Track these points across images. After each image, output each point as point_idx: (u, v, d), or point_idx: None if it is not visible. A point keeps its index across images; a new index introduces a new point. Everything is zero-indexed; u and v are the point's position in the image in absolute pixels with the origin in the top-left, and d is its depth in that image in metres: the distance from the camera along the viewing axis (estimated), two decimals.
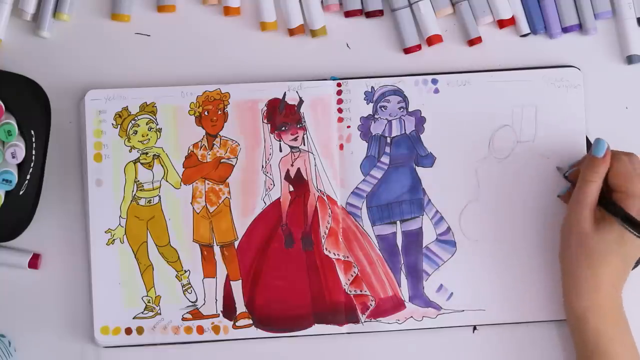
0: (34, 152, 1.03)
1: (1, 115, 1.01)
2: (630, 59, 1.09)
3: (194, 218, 1.07)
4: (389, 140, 1.09)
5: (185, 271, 1.07)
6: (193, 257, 1.07)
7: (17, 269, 1.07)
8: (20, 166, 1.03)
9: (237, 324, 1.07)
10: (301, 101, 1.08)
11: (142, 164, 1.07)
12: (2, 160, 1.01)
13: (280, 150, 1.08)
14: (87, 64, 1.08)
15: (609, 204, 1.01)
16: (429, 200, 1.08)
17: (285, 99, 1.08)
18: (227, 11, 1.08)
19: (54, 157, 1.06)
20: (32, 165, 1.03)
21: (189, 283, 1.07)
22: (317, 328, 1.07)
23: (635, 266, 1.04)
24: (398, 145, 1.09)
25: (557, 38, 1.10)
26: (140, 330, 1.07)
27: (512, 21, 1.09)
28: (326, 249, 1.08)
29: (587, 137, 1.09)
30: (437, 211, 1.08)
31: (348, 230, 1.08)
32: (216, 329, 1.07)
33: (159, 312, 1.07)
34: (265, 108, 1.08)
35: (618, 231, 1.00)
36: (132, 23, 1.09)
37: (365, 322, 1.08)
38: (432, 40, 1.09)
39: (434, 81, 1.09)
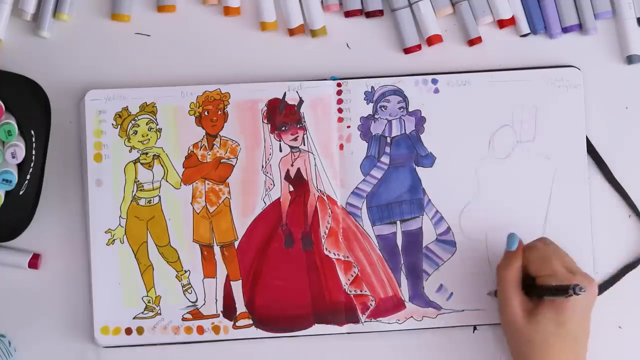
0: (34, 152, 1.03)
1: (1, 115, 1.01)
2: (630, 59, 1.09)
3: (194, 218, 1.07)
4: (389, 140, 1.09)
5: (185, 271, 1.07)
6: (193, 257, 1.07)
7: (17, 269, 1.07)
8: (20, 166, 1.03)
9: (237, 324, 1.07)
10: (301, 101, 1.08)
11: (142, 164, 1.07)
12: (2, 160, 1.01)
13: (280, 150, 1.08)
14: (87, 64, 1.08)
15: (536, 289, 1.00)
16: (429, 200, 1.08)
17: (285, 99, 1.08)
18: (227, 11, 1.08)
19: (54, 157, 1.06)
20: (32, 165, 1.03)
21: (189, 283, 1.07)
22: (317, 328, 1.07)
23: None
24: (398, 145, 1.09)
25: (557, 38, 1.10)
26: (140, 331, 1.07)
27: (512, 21, 1.09)
28: (326, 249, 1.08)
29: (587, 137, 1.09)
30: (437, 211, 1.08)
31: (348, 230, 1.08)
32: (216, 329, 1.07)
33: (159, 312, 1.07)
34: (265, 108, 1.08)
35: (551, 314, 0.99)
36: (132, 23, 1.09)
37: (365, 322, 1.08)
38: (432, 40, 1.09)
39: (434, 81, 1.09)
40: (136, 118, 1.07)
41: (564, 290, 0.97)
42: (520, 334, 1.00)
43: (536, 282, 1.01)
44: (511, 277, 1.01)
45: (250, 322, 1.07)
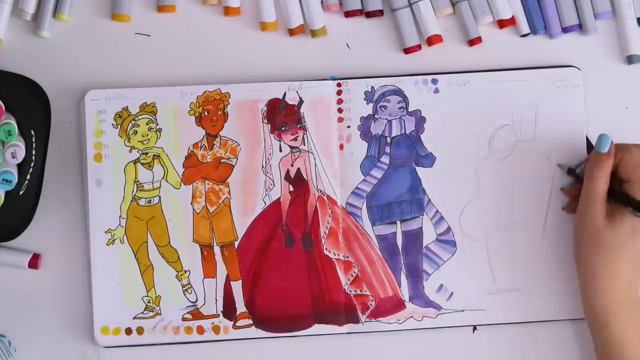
0: (34, 152, 1.03)
1: (1, 115, 1.01)
2: (630, 59, 1.09)
3: (194, 218, 1.07)
4: (389, 140, 1.09)
5: (185, 271, 1.07)
6: (193, 257, 1.07)
7: (17, 269, 1.07)
8: (20, 166, 1.03)
9: (237, 324, 1.07)
10: (301, 101, 1.08)
11: (142, 164, 1.07)
12: (2, 160, 1.01)
13: (280, 150, 1.08)
14: (87, 64, 1.08)
15: (620, 195, 1.01)
16: (429, 200, 1.08)
17: (285, 99, 1.08)
18: (227, 11, 1.08)
19: (54, 157, 1.06)
20: (32, 165, 1.03)
21: (189, 283, 1.07)
22: (317, 328, 1.07)
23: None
24: (398, 145, 1.09)
25: (557, 38, 1.10)
26: (140, 330, 1.07)
27: (512, 21, 1.09)
28: (326, 249, 1.08)
29: (587, 137, 1.09)
30: (437, 211, 1.08)
31: (348, 230, 1.08)
32: (216, 329, 1.07)
33: (159, 312, 1.07)
34: (265, 108, 1.08)
35: (631, 222, 1.00)
36: (132, 23, 1.09)
37: (365, 322, 1.08)
38: (432, 40, 1.09)
39: (434, 81, 1.09)
40: (136, 118, 1.07)
41: None
42: (595, 235, 1.01)
43: (623, 187, 1.01)
44: (603, 177, 1.01)
45: (250, 322, 1.07)
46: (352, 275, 1.08)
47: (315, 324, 1.07)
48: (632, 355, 1.00)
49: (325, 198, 1.08)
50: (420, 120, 1.09)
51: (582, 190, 1.03)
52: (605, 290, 1.01)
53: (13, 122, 1.02)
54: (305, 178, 1.08)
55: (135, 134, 1.07)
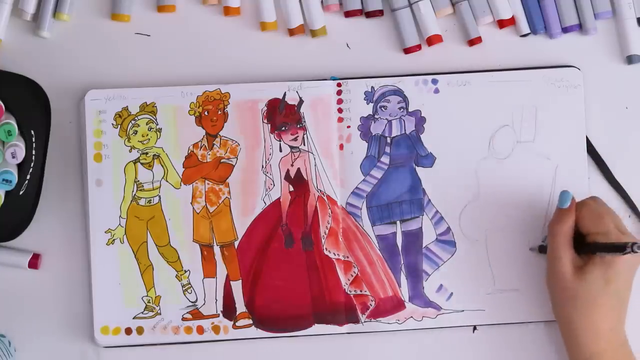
0: (34, 152, 1.03)
1: (1, 115, 1.01)
2: (630, 59, 1.09)
3: (194, 218, 1.07)
4: (389, 140, 1.09)
5: (185, 271, 1.07)
6: (193, 257, 1.07)
7: (17, 269, 1.07)
8: (20, 166, 1.03)
9: (237, 324, 1.07)
10: (301, 101, 1.08)
11: (142, 164, 1.07)
12: (2, 160, 1.01)
13: (280, 150, 1.08)
14: (87, 64, 1.08)
15: (585, 246, 1.01)
16: (429, 200, 1.08)
17: (285, 99, 1.08)
18: (227, 11, 1.08)
19: (54, 157, 1.06)
20: (32, 165, 1.03)
21: (189, 283, 1.07)
22: (317, 328, 1.07)
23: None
24: (398, 145, 1.09)
25: (557, 38, 1.10)
26: (140, 330, 1.07)
27: (512, 21, 1.09)
28: (326, 249, 1.08)
29: (587, 137, 1.09)
30: (437, 211, 1.08)
31: (348, 230, 1.08)
32: (216, 329, 1.07)
33: (159, 312, 1.07)
34: (265, 108, 1.08)
35: (601, 271, 0.99)
36: (132, 23, 1.09)
37: (365, 322, 1.08)
38: (432, 40, 1.09)
39: (434, 81, 1.09)
40: (136, 118, 1.07)
41: (621, 248, 0.97)
42: (567, 290, 1.00)
43: (588, 239, 1.01)
44: (564, 232, 1.01)
45: (250, 322, 1.07)
46: (352, 275, 1.08)
47: (315, 324, 1.07)
48: None
49: (325, 198, 1.08)
50: (420, 121, 1.09)
51: (547, 249, 1.03)
52: (587, 343, 1.00)
53: (13, 122, 1.02)
54: (305, 178, 1.08)
55: (135, 134, 1.07)
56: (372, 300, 1.08)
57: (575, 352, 1.01)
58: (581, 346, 1.01)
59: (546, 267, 1.03)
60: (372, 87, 1.08)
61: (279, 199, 1.08)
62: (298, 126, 1.08)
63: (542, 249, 1.07)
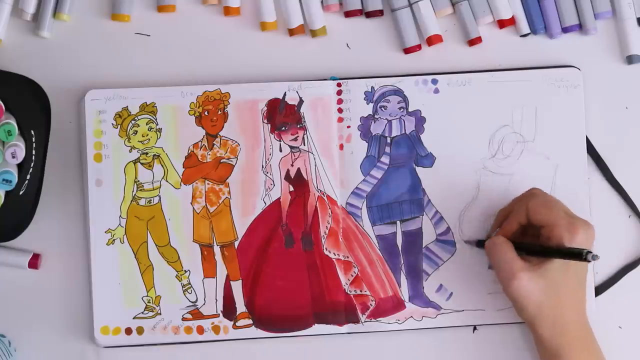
0: (34, 152, 1.03)
1: (1, 115, 1.01)
2: (630, 59, 1.09)
3: (194, 218, 1.07)
4: (389, 140, 1.09)
5: (185, 271, 1.07)
6: (193, 257, 1.07)
7: (17, 269, 1.07)
8: (20, 166, 1.03)
9: (237, 324, 1.07)
10: (301, 101, 1.08)
11: (142, 164, 1.07)
12: (2, 160, 1.01)
13: (280, 150, 1.08)
14: (87, 64, 1.08)
15: (538, 250, 1.00)
16: (429, 200, 1.08)
17: (285, 99, 1.08)
18: (227, 11, 1.08)
19: (54, 157, 1.06)
20: (32, 165, 1.03)
21: (189, 283, 1.07)
22: (317, 328, 1.07)
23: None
24: (398, 145, 1.09)
25: (557, 38, 1.10)
26: (140, 330, 1.07)
27: (512, 21, 1.09)
28: (326, 249, 1.08)
29: (587, 137, 1.09)
30: (437, 211, 1.08)
31: (348, 230, 1.08)
32: (216, 329, 1.07)
33: (159, 312, 1.07)
34: (265, 108, 1.08)
35: (558, 267, 0.99)
36: (132, 23, 1.09)
37: (365, 322, 1.08)
38: (432, 40, 1.09)
39: (434, 81, 1.09)
40: (136, 118, 1.07)
41: (577, 255, 0.96)
42: (531, 296, 0.99)
43: (542, 234, 1.00)
44: (506, 252, 1.01)
45: (250, 322, 1.07)
46: (352, 275, 1.08)
47: (315, 324, 1.07)
48: None
49: (325, 198, 1.08)
50: (420, 120, 1.09)
51: (496, 273, 1.02)
52: (555, 335, 1.00)
53: (13, 122, 1.02)
54: (305, 178, 1.08)
55: (135, 134, 1.07)
56: (372, 300, 1.08)
57: (545, 348, 1.01)
58: (548, 337, 1.00)
59: (498, 279, 1.02)
60: (372, 87, 1.08)
61: (279, 199, 1.08)
62: (298, 126, 1.08)
63: (479, 244, 1.06)
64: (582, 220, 1.00)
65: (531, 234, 1.03)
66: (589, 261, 0.96)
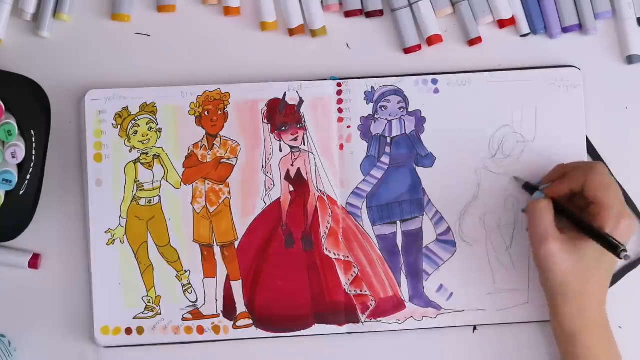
0: (34, 152, 1.03)
1: (1, 115, 1.01)
2: (630, 59, 1.09)
3: (194, 218, 1.07)
4: (389, 140, 1.09)
5: (186, 271, 1.07)
6: (193, 257, 1.07)
7: (17, 269, 1.07)
8: (20, 166, 1.03)
9: (237, 324, 1.07)
10: (301, 101, 1.08)
11: (142, 164, 1.07)
12: (2, 160, 1.01)
13: (280, 150, 1.08)
14: (87, 64, 1.08)
15: (581, 224, 1.00)
16: (429, 200, 1.08)
17: (285, 99, 1.08)
18: (227, 11, 1.08)
19: (54, 157, 1.06)
20: (32, 165, 1.03)
21: (189, 283, 1.07)
22: (317, 328, 1.07)
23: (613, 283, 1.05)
24: (398, 145, 1.09)
25: (557, 38, 1.10)
26: (140, 330, 1.07)
27: (512, 21, 1.09)
28: (326, 249, 1.08)
29: (587, 137, 1.09)
30: (437, 211, 1.08)
31: (348, 230, 1.08)
32: (216, 329, 1.07)
33: (159, 312, 1.07)
34: (265, 108, 1.08)
35: (596, 247, 0.99)
36: (132, 23, 1.09)
37: (365, 322, 1.08)
38: (432, 40, 1.09)
39: (434, 81, 1.09)
40: (136, 118, 1.07)
41: (613, 247, 0.97)
42: (561, 268, 0.99)
43: (589, 210, 1.00)
44: (545, 220, 1.00)
45: (250, 322, 1.07)
46: (352, 275, 1.08)
47: (315, 324, 1.07)
48: None
49: (325, 198, 1.08)
50: (420, 120, 1.09)
51: (529, 234, 1.02)
52: (574, 315, 1.01)
53: (13, 122, 1.02)
54: (305, 178, 1.08)
55: (136, 134, 1.07)
56: (372, 300, 1.08)
57: (562, 320, 1.01)
58: (568, 316, 1.01)
59: (530, 245, 1.02)
60: (372, 87, 1.08)
61: (279, 199, 1.08)
62: (298, 126, 1.08)
63: (527, 187, 1.06)
64: (629, 213, 1.01)
65: (577, 204, 1.03)
66: (620, 258, 0.96)
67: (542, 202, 1.01)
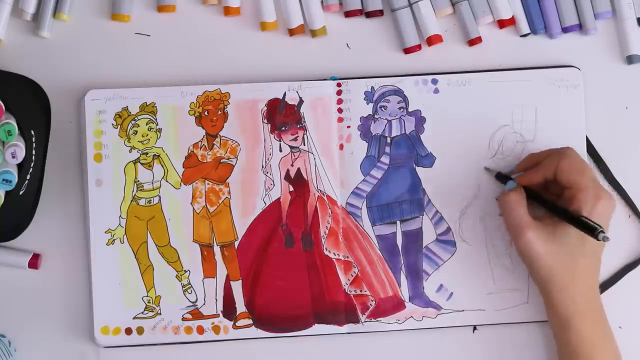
0: (34, 152, 1.03)
1: (1, 115, 1.01)
2: (630, 59, 1.09)
3: (194, 218, 1.07)
4: (389, 140, 1.09)
5: (185, 271, 1.07)
6: (193, 257, 1.07)
7: (17, 269, 1.07)
8: (20, 166, 1.03)
9: (237, 324, 1.07)
10: (301, 101, 1.08)
11: (142, 164, 1.07)
12: (2, 160, 1.01)
13: (280, 150, 1.08)
14: (87, 64, 1.08)
15: (556, 209, 1.00)
16: (429, 200, 1.08)
17: (285, 99, 1.08)
18: (227, 11, 1.08)
19: (54, 157, 1.06)
20: (32, 165, 1.03)
21: (189, 283, 1.07)
22: (317, 328, 1.07)
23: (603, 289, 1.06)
24: (398, 145, 1.09)
25: (557, 38, 1.10)
26: (140, 330, 1.07)
27: (512, 21, 1.09)
28: (326, 249, 1.08)
29: (587, 137, 1.09)
30: (437, 211, 1.08)
31: (348, 230, 1.08)
32: (216, 329, 1.07)
33: (159, 312, 1.07)
34: (265, 108, 1.08)
35: (576, 233, 0.99)
36: (132, 23, 1.09)
37: (365, 322, 1.08)
38: (432, 40, 1.09)
39: (434, 81, 1.09)
40: (136, 118, 1.07)
41: (591, 229, 0.97)
42: (543, 257, 1.00)
43: (565, 195, 1.00)
44: (519, 208, 1.01)
45: (250, 322, 1.07)
46: (352, 275, 1.08)
47: (315, 324, 1.07)
48: (596, 358, 1.00)
49: (325, 198, 1.08)
50: (420, 120, 1.09)
51: (506, 227, 1.02)
52: (566, 302, 1.01)
53: (13, 122, 1.02)
54: (305, 178, 1.08)
55: (135, 134, 1.07)
56: (372, 300, 1.08)
57: (554, 307, 1.01)
58: (560, 303, 1.01)
59: (510, 239, 1.02)
60: (372, 87, 1.08)
61: (279, 199, 1.08)
62: (298, 126, 1.08)
63: (499, 177, 1.06)
64: (606, 192, 1.00)
65: (552, 191, 1.03)
66: (599, 240, 0.96)
67: (513, 193, 1.01)
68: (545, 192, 1.03)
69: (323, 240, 1.08)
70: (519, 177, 1.04)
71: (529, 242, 0.99)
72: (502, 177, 1.06)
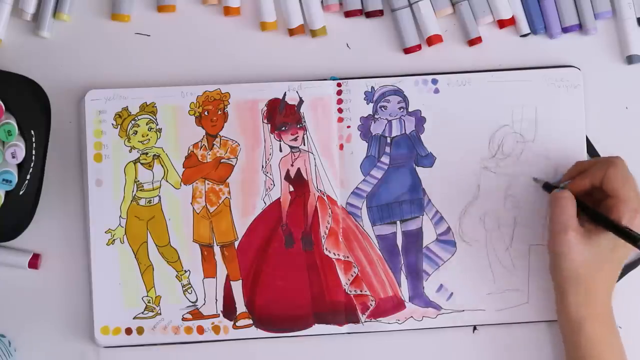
0: (34, 152, 1.03)
1: (1, 115, 1.01)
2: (630, 59, 1.09)
3: (194, 218, 1.07)
4: (389, 140, 1.09)
5: (185, 271, 1.07)
6: (193, 257, 1.07)
7: (17, 269, 1.07)
8: (20, 166, 1.03)
9: (237, 324, 1.07)
10: (301, 101, 1.08)
11: (142, 164, 1.07)
12: (2, 160, 1.01)
13: (280, 150, 1.08)
14: (87, 64, 1.08)
15: (599, 217, 1.01)
16: (429, 200, 1.08)
17: (285, 99, 1.08)
18: (227, 11, 1.08)
19: (54, 157, 1.06)
20: (32, 165, 1.03)
21: (189, 283, 1.07)
22: (317, 328, 1.07)
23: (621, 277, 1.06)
24: (398, 145, 1.09)
25: (557, 38, 1.10)
26: (140, 331, 1.07)
27: (512, 21, 1.09)
28: (326, 249, 1.08)
29: (587, 137, 1.09)
30: (437, 211, 1.08)
31: (348, 230, 1.08)
32: (216, 329, 1.07)
33: (159, 312, 1.07)
34: (265, 108, 1.08)
35: (610, 240, 1.00)
36: (132, 23, 1.09)
37: (365, 322, 1.08)
38: (432, 40, 1.09)
39: (434, 81, 1.09)
40: (136, 118, 1.07)
41: (633, 238, 0.99)
42: (575, 259, 1.00)
43: (606, 203, 1.01)
44: (567, 210, 1.01)
45: (250, 322, 1.07)
46: (352, 275, 1.08)
47: (315, 324, 1.07)
48: None
49: (325, 198, 1.08)
50: (420, 121, 1.09)
51: (550, 221, 1.03)
52: (581, 303, 1.01)
53: (13, 122, 1.02)
54: (305, 178, 1.08)
55: (135, 134, 1.07)
56: (372, 300, 1.08)
57: (568, 308, 1.02)
58: (575, 305, 1.01)
59: (548, 231, 1.02)
60: (372, 87, 1.08)
61: (279, 199, 1.08)
62: (298, 126, 1.08)
63: (546, 187, 1.06)
64: None
65: (596, 198, 1.03)
66: (639, 249, 0.98)
67: (567, 192, 1.02)
68: (588, 199, 1.04)
69: (323, 240, 1.08)
70: (566, 185, 1.04)
71: (568, 241, 1.00)
72: (549, 187, 1.06)
